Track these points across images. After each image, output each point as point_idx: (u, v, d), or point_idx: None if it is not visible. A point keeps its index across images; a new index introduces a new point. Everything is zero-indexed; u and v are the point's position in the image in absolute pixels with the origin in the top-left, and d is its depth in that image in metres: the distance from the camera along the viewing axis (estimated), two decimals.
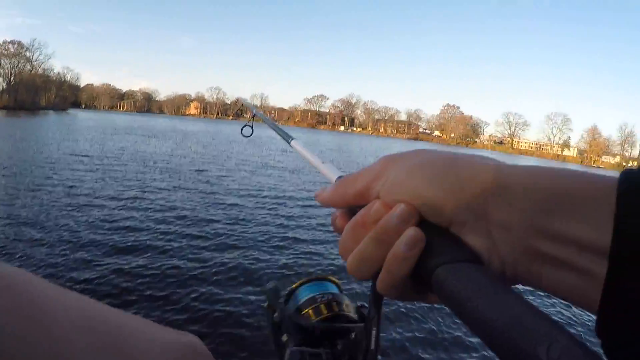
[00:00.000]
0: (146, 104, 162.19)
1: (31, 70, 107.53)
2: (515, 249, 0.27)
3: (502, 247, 0.27)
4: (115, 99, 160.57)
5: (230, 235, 6.26)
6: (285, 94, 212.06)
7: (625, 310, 0.21)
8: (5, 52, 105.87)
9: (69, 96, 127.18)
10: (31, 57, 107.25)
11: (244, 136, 1.31)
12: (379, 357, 0.34)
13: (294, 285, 0.81)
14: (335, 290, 0.81)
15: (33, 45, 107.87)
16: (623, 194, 0.22)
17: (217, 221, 7.01)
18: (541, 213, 0.25)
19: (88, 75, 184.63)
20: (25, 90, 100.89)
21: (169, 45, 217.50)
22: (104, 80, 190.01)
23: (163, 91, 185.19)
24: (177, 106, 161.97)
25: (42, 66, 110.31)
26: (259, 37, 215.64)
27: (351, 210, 0.34)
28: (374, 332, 0.34)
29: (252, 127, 1.33)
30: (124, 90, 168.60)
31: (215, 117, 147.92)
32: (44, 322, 0.21)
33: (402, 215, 0.29)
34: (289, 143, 0.72)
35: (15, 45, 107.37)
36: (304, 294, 0.78)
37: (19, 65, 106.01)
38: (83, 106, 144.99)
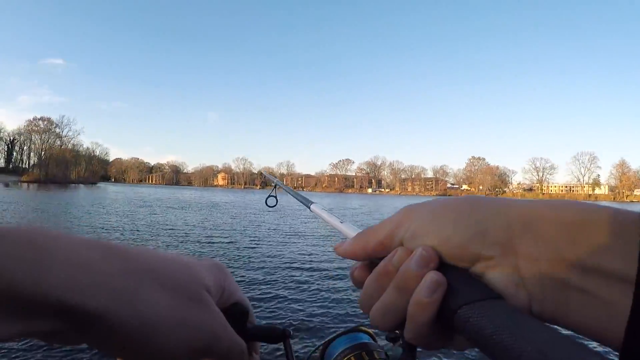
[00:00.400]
0: (174, 177, 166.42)
1: (61, 146, 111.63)
2: (543, 281, 0.26)
3: (530, 281, 0.27)
4: (144, 172, 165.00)
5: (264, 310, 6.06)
6: (311, 161, 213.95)
7: None
8: (36, 129, 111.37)
9: (98, 170, 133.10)
10: (61, 133, 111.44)
11: (269, 206, 1.43)
12: None
13: (323, 344, 0.80)
14: (366, 339, 0.79)
15: (62, 122, 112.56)
16: None
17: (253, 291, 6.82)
18: (567, 244, 0.26)
19: (116, 150, 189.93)
20: (56, 165, 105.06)
21: (195, 119, 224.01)
22: (132, 154, 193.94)
23: (191, 163, 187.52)
24: (205, 178, 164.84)
25: (71, 142, 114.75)
26: (281, 108, 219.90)
27: (372, 263, 0.34)
28: None
29: (276, 197, 1.43)
30: (152, 164, 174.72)
31: (242, 187, 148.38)
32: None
33: (421, 260, 0.29)
34: (309, 208, 0.77)
35: (45, 122, 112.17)
36: (334, 351, 0.77)
37: (49, 141, 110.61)
38: (112, 180, 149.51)
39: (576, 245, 0.25)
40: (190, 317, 0.29)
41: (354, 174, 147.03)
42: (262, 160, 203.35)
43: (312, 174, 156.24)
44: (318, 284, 7.15)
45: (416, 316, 0.28)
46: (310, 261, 9.22)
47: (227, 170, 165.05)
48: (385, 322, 0.31)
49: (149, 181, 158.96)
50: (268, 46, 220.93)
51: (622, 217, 0.25)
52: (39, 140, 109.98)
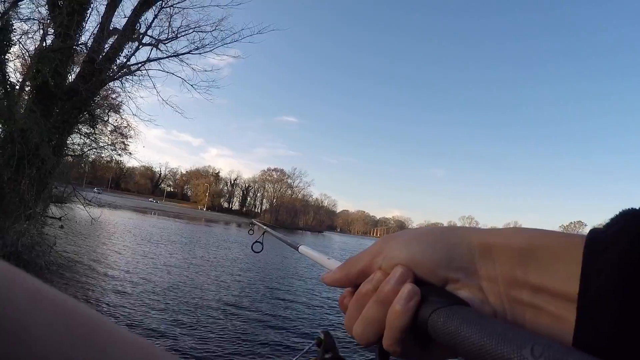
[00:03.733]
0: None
1: (292, 195, 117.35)
2: (502, 298, 0.31)
3: (491, 297, 0.31)
4: (369, 225, 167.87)
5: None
6: (541, 222, 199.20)
7: (595, 352, 0.23)
8: (269, 178, 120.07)
9: (325, 220, 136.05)
10: (292, 184, 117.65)
11: (255, 252, 1.50)
12: None
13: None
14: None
15: (294, 174, 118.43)
16: (588, 253, 0.26)
17: None
18: (519, 267, 0.30)
19: (344, 202, 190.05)
20: (286, 212, 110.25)
21: (421, 176, 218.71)
22: (358, 207, 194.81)
23: (416, 219, 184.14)
24: None
25: (302, 192, 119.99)
26: (509, 168, 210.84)
27: (357, 289, 0.37)
28: None
29: (262, 243, 1.50)
30: (378, 218, 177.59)
31: None
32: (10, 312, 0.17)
33: (399, 276, 0.33)
34: (297, 249, 0.83)
35: (278, 173, 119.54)
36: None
37: (281, 189, 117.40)
38: (339, 230, 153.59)
39: (526, 268, 0.29)
40: None
41: None
42: (488, 219, 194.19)
43: None
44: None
45: (394, 324, 0.32)
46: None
47: None
48: (365, 335, 0.35)
49: (373, 234, 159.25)
50: (494, 99, 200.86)
51: (566, 240, 0.28)
52: (272, 189, 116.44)
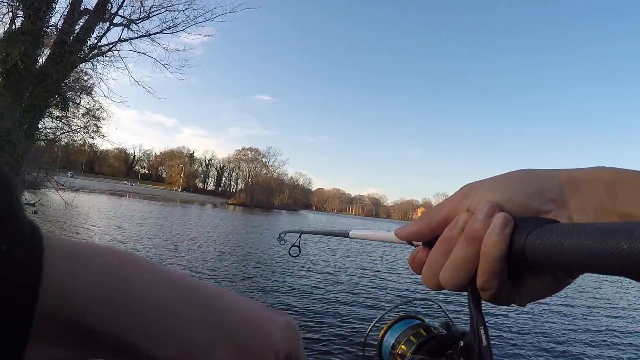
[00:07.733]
0: (374, 209, 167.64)
1: (267, 174, 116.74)
2: None
3: None
4: (344, 203, 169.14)
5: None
6: None
7: None
8: (244, 158, 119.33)
9: (300, 198, 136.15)
10: (267, 163, 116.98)
11: (292, 256, 1.48)
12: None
13: (380, 334, 0.87)
14: (419, 322, 0.85)
15: (269, 153, 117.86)
16: None
17: None
18: (606, 198, 0.31)
19: (319, 181, 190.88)
20: (261, 191, 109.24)
21: (396, 155, 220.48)
22: (334, 185, 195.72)
23: (391, 197, 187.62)
24: (404, 211, 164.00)
25: (277, 171, 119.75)
26: (485, 147, 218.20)
27: (431, 244, 0.36)
28: (482, 331, 0.35)
29: (299, 247, 1.48)
30: (353, 195, 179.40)
31: None
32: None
33: (489, 210, 0.32)
34: (348, 236, 0.80)
35: (253, 152, 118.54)
36: (392, 336, 0.83)
37: (256, 169, 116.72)
38: (314, 208, 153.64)
39: (613, 199, 0.31)
40: None
41: None
42: None
43: None
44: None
45: (490, 254, 0.31)
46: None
47: (427, 206, 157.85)
48: (456, 278, 0.34)
49: (348, 212, 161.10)
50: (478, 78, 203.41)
51: None
52: (247, 168, 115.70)
